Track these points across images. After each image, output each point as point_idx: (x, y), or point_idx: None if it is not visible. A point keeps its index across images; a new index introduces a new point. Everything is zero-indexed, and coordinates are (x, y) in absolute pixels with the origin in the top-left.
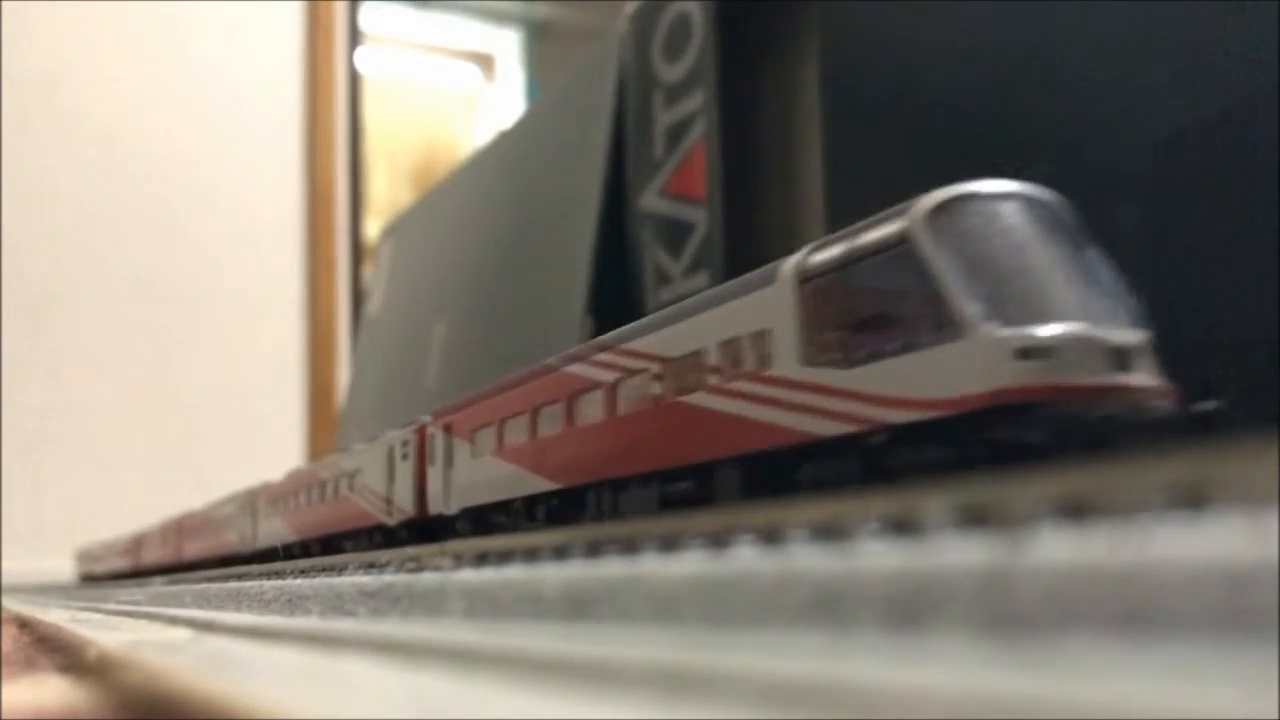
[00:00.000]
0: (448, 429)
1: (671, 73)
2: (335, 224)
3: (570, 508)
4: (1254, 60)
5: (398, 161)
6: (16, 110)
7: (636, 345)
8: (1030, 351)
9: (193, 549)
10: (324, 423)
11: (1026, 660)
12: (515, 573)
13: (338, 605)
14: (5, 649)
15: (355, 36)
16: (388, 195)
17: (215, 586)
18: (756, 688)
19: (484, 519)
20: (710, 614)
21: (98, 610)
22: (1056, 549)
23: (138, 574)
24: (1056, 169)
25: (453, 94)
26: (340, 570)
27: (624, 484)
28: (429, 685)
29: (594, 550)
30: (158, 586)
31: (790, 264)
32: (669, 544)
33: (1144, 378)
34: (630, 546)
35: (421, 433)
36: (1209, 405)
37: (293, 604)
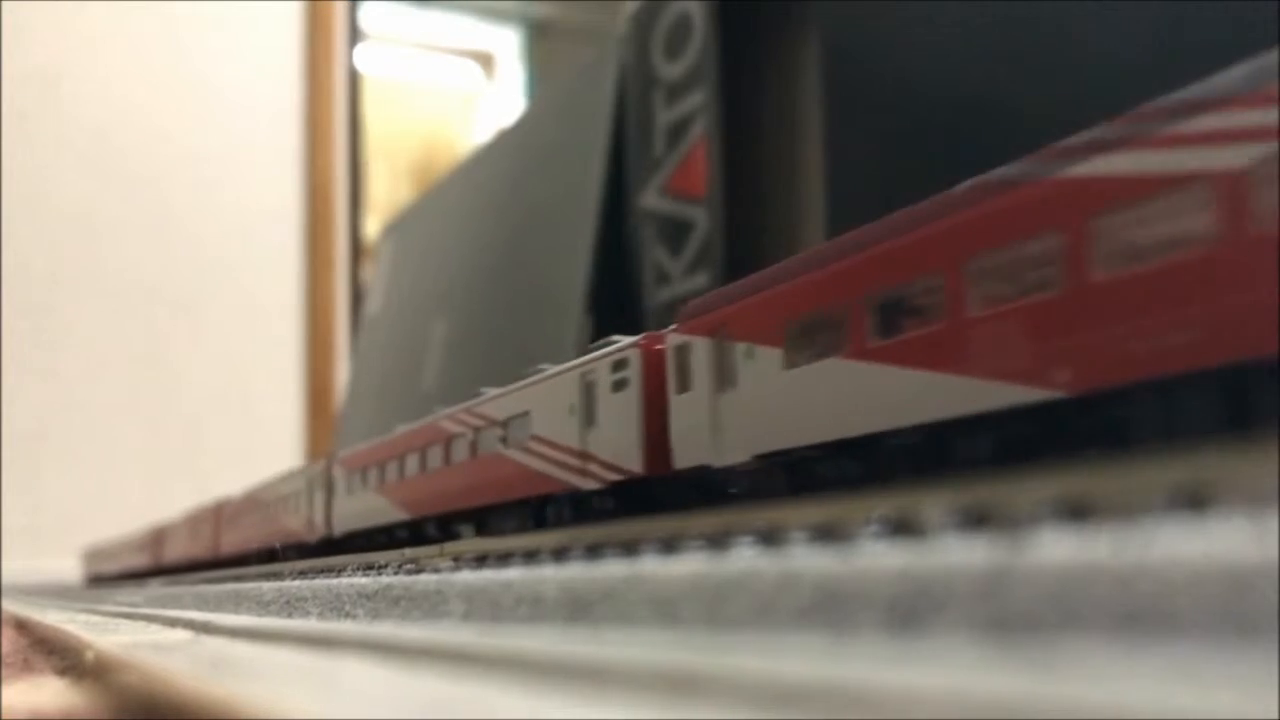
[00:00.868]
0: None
1: (671, 72)
2: (334, 223)
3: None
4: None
5: (397, 160)
6: (15, 110)
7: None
8: None
9: (235, 540)
10: (323, 422)
11: (1027, 661)
12: (515, 574)
13: (336, 607)
14: (4, 650)
15: (355, 35)
16: (387, 194)
17: (214, 588)
18: (756, 689)
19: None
20: (710, 615)
21: (96, 612)
22: (1057, 550)
23: (160, 572)
24: None
25: (453, 93)
26: (339, 572)
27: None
28: (428, 687)
29: (594, 551)
30: (158, 588)
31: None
32: (669, 544)
33: None
34: (630, 547)
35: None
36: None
37: (291, 605)
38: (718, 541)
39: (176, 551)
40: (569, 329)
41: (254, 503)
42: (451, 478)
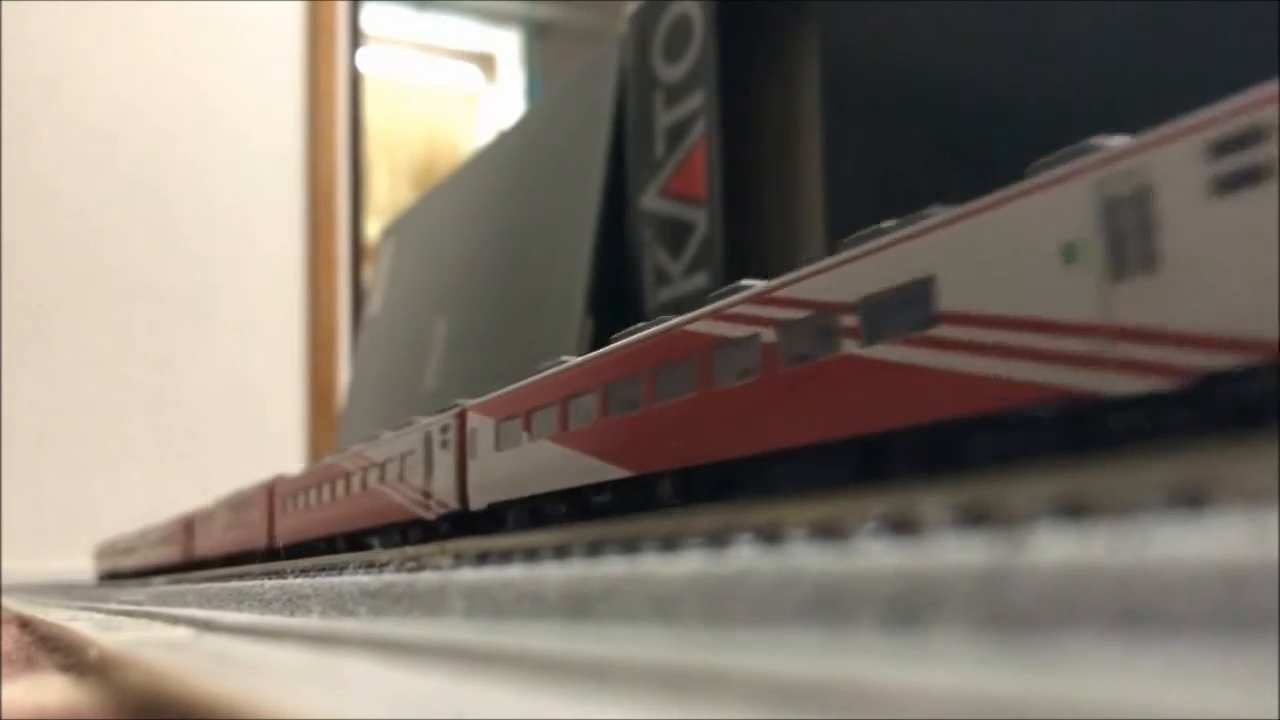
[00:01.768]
0: None
1: (671, 73)
2: (336, 224)
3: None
4: (1255, 60)
5: (398, 161)
6: (17, 111)
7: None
8: None
9: (296, 527)
10: (325, 422)
11: (1026, 660)
12: (516, 572)
13: (338, 605)
14: (6, 649)
15: (356, 37)
16: (388, 195)
17: (216, 586)
18: (756, 687)
19: None
20: (710, 614)
21: (98, 610)
22: (1056, 548)
23: (193, 567)
24: None
25: (453, 94)
26: (340, 570)
27: None
28: (430, 685)
29: (594, 550)
30: (160, 586)
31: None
32: (669, 544)
33: None
34: (630, 546)
35: None
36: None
37: (293, 603)
38: (718, 540)
39: (214, 543)
40: (569, 329)
41: (328, 475)
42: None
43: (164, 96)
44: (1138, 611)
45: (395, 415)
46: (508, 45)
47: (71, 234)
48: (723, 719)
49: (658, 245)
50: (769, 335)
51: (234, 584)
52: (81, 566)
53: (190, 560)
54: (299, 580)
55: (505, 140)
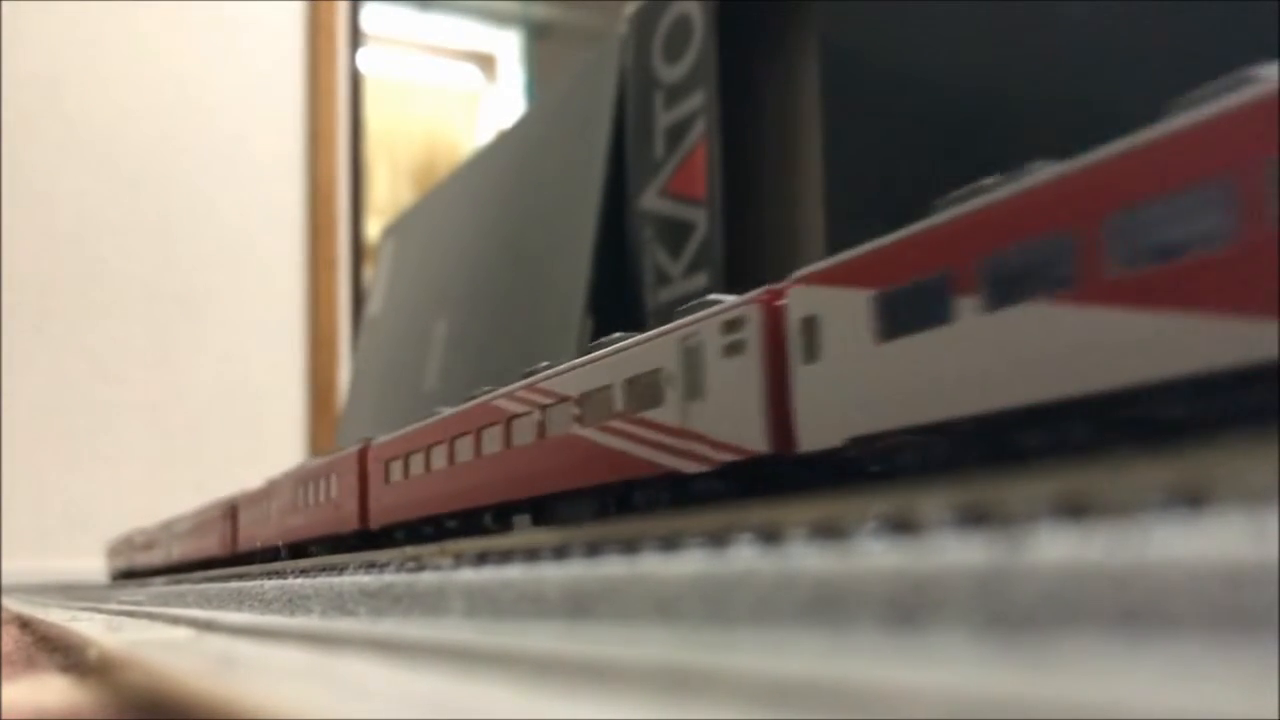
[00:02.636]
0: None
1: (671, 73)
2: (336, 224)
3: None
4: (1255, 59)
5: (399, 161)
6: (17, 111)
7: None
8: None
9: (403, 502)
10: (325, 422)
11: (1025, 660)
12: (516, 572)
13: (339, 605)
14: (6, 649)
15: (356, 37)
16: (389, 195)
17: (216, 586)
18: (756, 687)
19: None
20: (710, 614)
21: (99, 610)
22: (1055, 548)
23: (237, 561)
24: None
25: (453, 94)
26: (341, 570)
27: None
28: (430, 685)
29: (594, 550)
30: (159, 586)
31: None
32: (669, 544)
33: None
34: (630, 546)
35: None
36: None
37: (293, 604)
38: (718, 540)
39: (270, 529)
40: (569, 329)
41: (459, 423)
42: None
43: (164, 96)
44: (1138, 611)
45: (396, 415)
46: (508, 45)
47: (71, 234)
48: (722, 719)
49: (657, 245)
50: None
51: (234, 584)
52: (82, 566)
53: (234, 554)
54: (299, 580)
55: (505, 140)
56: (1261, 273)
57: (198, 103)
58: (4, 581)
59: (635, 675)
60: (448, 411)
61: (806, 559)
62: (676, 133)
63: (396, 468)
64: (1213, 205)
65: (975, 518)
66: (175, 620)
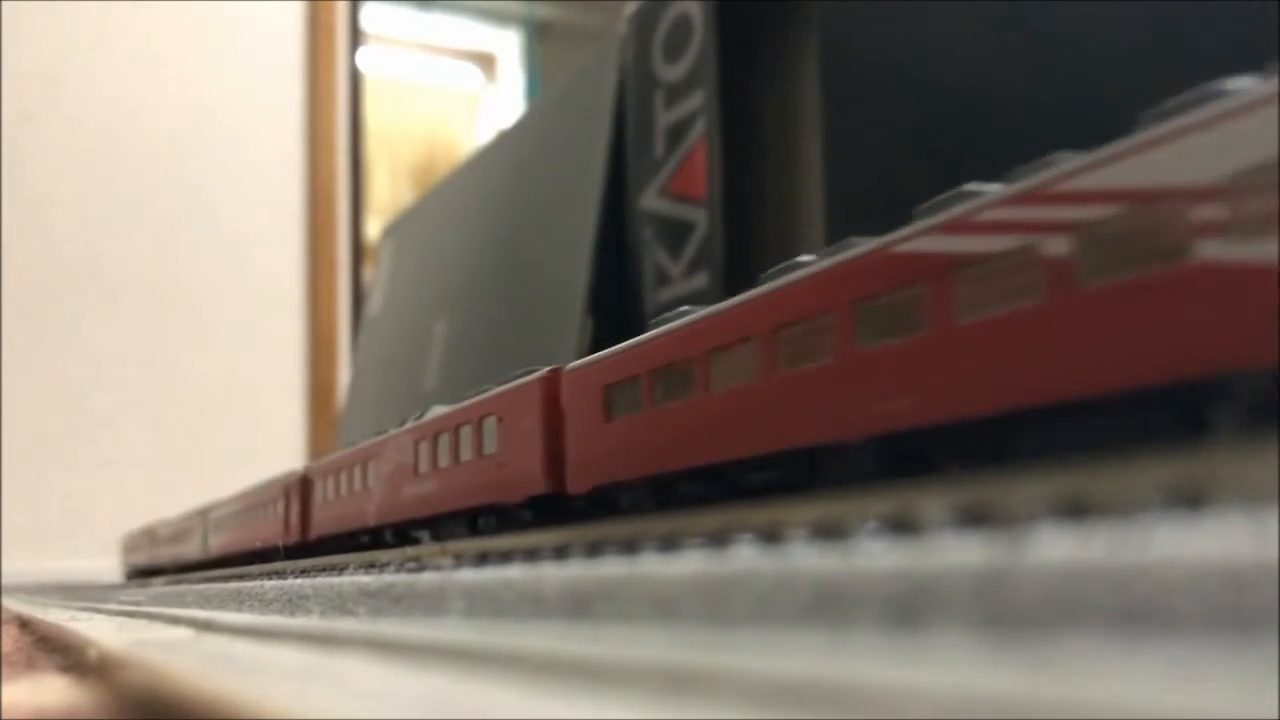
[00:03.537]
0: None
1: (671, 73)
2: (336, 223)
3: None
4: (1255, 60)
5: (398, 161)
6: (17, 110)
7: None
8: None
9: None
10: (325, 422)
11: (1026, 660)
12: (516, 572)
13: (338, 605)
14: (6, 649)
15: (356, 36)
16: (388, 195)
17: (216, 586)
18: (756, 688)
19: None
20: (710, 614)
21: (98, 610)
22: (1056, 548)
23: (304, 551)
24: None
25: (453, 94)
26: (340, 570)
27: None
28: (430, 685)
29: (594, 550)
30: (159, 587)
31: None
32: (669, 544)
33: None
34: (630, 546)
35: None
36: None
37: (293, 604)
38: (718, 540)
39: (369, 504)
40: (569, 329)
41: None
42: None
43: (164, 96)
44: (1138, 611)
45: (396, 415)
46: (508, 45)
47: (71, 234)
48: (722, 719)
49: (658, 245)
50: None
51: (234, 584)
52: (82, 566)
53: (305, 541)
54: (299, 580)
55: (505, 140)
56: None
57: (198, 102)
58: (4, 581)
59: (635, 675)
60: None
61: (806, 559)
62: (676, 133)
63: (625, 395)
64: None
65: (975, 518)
66: (175, 620)
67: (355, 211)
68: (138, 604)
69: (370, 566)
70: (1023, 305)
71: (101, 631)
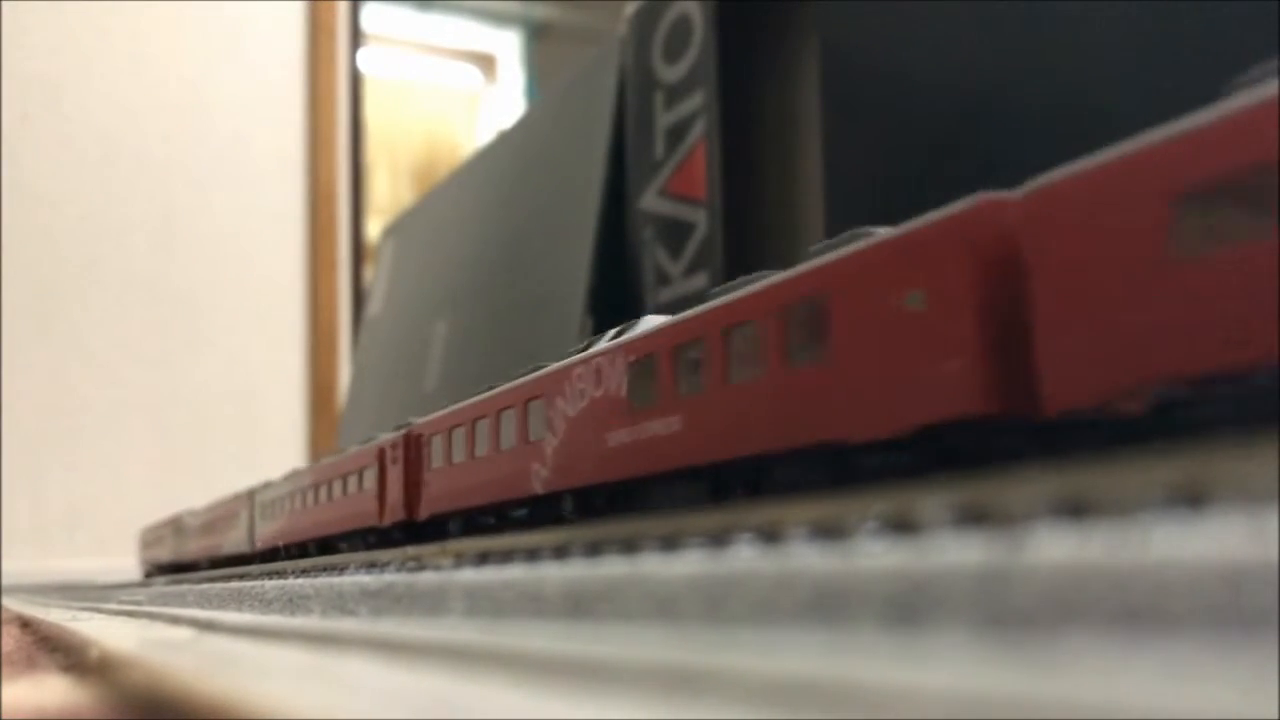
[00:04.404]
0: None
1: (671, 73)
2: (336, 224)
3: None
4: (1255, 60)
5: (399, 161)
6: (17, 111)
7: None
8: None
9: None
10: (325, 422)
11: (1026, 659)
12: (516, 572)
13: (339, 605)
14: (6, 649)
15: (357, 37)
16: (389, 195)
17: (217, 586)
18: (756, 687)
19: None
20: (710, 614)
21: (99, 610)
22: (1055, 548)
23: (414, 533)
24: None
25: (454, 94)
26: (341, 570)
27: None
28: (430, 685)
29: (594, 550)
30: (161, 587)
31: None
32: (669, 544)
33: None
34: (630, 546)
35: None
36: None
37: (294, 603)
38: (718, 540)
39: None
40: (570, 329)
41: None
42: None
43: (164, 96)
44: (1138, 611)
45: (396, 415)
46: (508, 45)
47: (71, 233)
48: (722, 719)
49: (658, 245)
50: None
51: (234, 584)
52: (82, 566)
53: (408, 521)
54: (299, 580)
55: (505, 140)
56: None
57: (198, 103)
58: (4, 581)
59: (635, 675)
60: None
61: (806, 559)
62: (676, 133)
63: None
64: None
65: (975, 518)
66: (176, 620)
67: (355, 211)
68: (138, 604)
69: (371, 566)
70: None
71: (102, 631)
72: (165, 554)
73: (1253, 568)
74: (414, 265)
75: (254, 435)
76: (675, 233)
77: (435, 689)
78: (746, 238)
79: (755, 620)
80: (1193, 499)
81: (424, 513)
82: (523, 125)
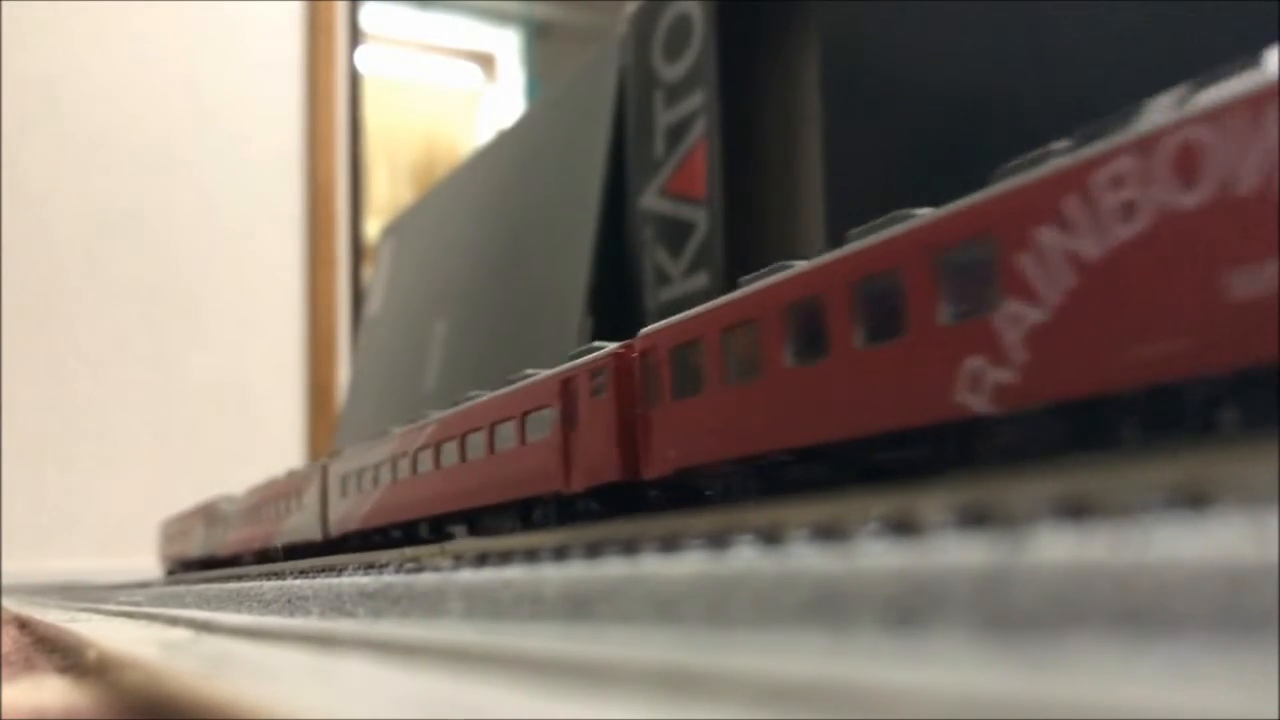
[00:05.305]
0: None
1: (671, 73)
2: (335, 223)
3: None
4: (1253, 59)
5: (398, 161)
6: (16, 111)
7: None
8: None
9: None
10: (324, 422)
11: (1026, 660)
12: (515, 573)
13: (337, 605)
14: (5, 649)
15: (356, 36)
16: (388, 195)
17: (215, 587)
18: (756, 688)
19: None
20: (710, 614)
21: (98, 611)
22: (1056, 549)
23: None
24: None
25: (453, 94)
26: (339, 571)
27: None
28: (429, 685)
29: (594, 550)
30: (159, 587)
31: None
32: (669, 544)
33: None
34: (630, 546)
35: None
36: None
37: (292, 604)
38: (718, 540)
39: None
40: (569, 329)
41: None
42: None
43: (163, 96)
44: (1138, 611)
45: (396, 415)
46: (508, 45)
47: (70, 233)
48: (722, 719)
49: (658, 245)
50: None
51: (233, 585)
52: (82, 566)
53: (630, 481)
54: (298, 581)
55: (505, 140)
56: None
57: (197, 102)
58: (4, 581)
59: (635, 676)
60: None
61: (806, 559)
62: (676, 132)
63: None
64: None
65: (975, 518)
66: (174, 621)
67: (355, 211)
68: (137, 604)
69: (369, 567)
70: None
71: (101, 632)
72: (194, 549)
73: (1253, 568)
74: (413, 265)
75: (253, 435)
76: (675, 232)
77: (434, 690)
78: (746, 237)
79: (755, 621)
80: (1194, 500)
81: (652, 469)
82: (522, 125)
